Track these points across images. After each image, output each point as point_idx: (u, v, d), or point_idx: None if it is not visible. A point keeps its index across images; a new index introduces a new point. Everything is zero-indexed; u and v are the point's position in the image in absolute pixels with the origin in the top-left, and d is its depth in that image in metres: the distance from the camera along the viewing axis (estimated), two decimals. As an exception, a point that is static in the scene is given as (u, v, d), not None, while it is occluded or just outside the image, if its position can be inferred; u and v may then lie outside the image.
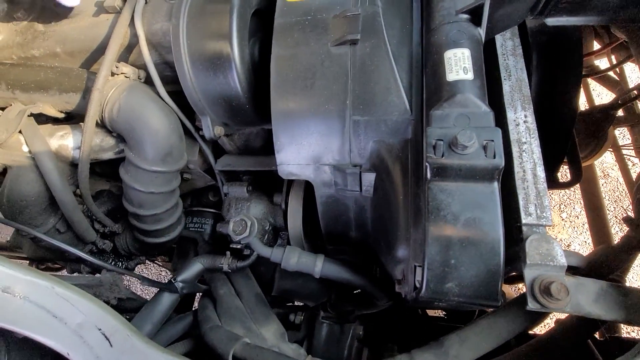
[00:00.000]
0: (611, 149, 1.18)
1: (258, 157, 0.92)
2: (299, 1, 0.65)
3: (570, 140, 0.76)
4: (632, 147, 1.18)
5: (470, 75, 0.53)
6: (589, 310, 0.51)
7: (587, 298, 0.51)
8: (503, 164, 0.47)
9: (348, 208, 0.72)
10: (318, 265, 0.71)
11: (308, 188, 0.83)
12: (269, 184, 0.92)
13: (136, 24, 0.70)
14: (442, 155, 0.48)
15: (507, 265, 0.50)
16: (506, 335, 0.64)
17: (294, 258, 0.72)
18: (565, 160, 0.96)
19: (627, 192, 1.38)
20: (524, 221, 0.55)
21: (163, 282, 0.84)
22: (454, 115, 0.51)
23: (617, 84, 1.24)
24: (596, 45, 1.21)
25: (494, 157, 0.47)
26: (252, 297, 0.87)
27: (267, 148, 0.96)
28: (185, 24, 0.68)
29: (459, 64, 0.54)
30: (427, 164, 0.49)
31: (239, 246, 0.75)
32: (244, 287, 0.90)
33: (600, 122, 1.14)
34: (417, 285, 0.49)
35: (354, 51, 0.61)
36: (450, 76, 0.53)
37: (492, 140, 0.47)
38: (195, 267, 0.84)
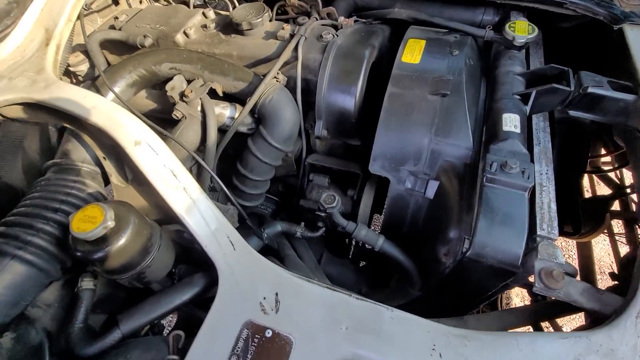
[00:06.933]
0: (606, 233, 1.46)
1: (339, 159, 1.22)
2: (410, 63, 1.00)
3: (575, 202, 1.04)
4: (624, 236, 1.45)
5: (518, 130, 0.84)
6: (576, 299, 0.74)
7: (576, 291, 0.75)
8: (533, 184, 0.75)
9: (408, 206, 0.99)
10: (380, 241, 0.96)
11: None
12: (342, 181, 1.21)
13: (298, 51, 1.06)
14: (495, 171, 0.77)
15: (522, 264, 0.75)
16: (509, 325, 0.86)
17: (364, 231, 0.97)
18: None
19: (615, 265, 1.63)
20: (538, 233, 0.81)
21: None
22: (505, 150, 0.81)
23: (616, 183, 1.56)
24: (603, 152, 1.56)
25: (528, 179, 0.75)
26: (312, 263, 1.11)
27: (344, 156, 1.26)
28: (332, 58, 1.04)
29: (511, 122, 0.85)
30: (485, 174, 0.78)
31: (324, 214, 1.00)
32: (305, 255, 1.13)
33: (599, 209, 1.44)
34: (465, 250, 0.75)
35: (442, 101, 0.94)
36: (505, 128, 0.84)
37: (528, 169, 0.76)
38: (276, 226, 1.09)
